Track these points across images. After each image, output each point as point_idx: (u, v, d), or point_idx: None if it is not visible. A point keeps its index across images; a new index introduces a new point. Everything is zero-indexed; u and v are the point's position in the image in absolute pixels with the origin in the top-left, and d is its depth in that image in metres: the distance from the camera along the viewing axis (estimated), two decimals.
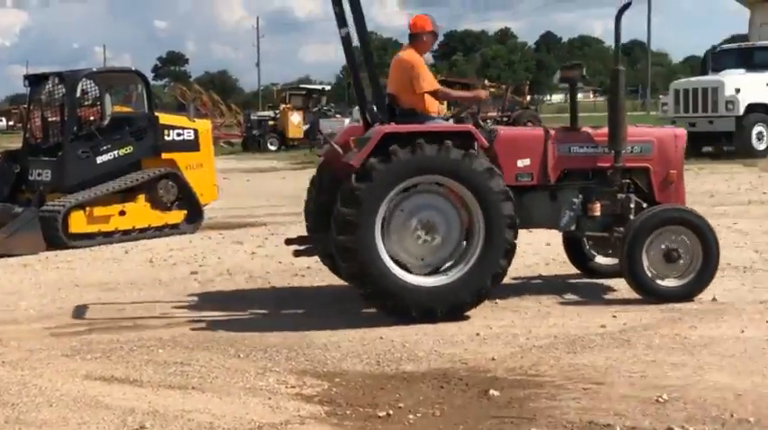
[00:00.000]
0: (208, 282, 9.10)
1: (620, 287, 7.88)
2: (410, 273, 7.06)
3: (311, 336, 6.76)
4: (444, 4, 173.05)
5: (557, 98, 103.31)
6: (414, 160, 6.87)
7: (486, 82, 42.80)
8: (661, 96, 31.36)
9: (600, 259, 8.51)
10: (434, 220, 7.08)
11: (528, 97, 40.95)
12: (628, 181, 7.77)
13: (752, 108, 22.70)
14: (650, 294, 7.41)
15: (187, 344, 6.70)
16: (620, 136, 7.58)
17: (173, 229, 12.85)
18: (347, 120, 32.88)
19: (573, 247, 8.62)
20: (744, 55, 24.18)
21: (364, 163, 6.86)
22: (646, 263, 7.35)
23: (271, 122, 37.28)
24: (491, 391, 5.35)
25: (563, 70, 8.04)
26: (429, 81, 7.67)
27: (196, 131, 13.49)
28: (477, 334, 6.70)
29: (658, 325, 6.78)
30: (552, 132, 7.71)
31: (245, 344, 6.63)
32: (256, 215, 14.88)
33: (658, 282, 7.40)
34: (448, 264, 7.14)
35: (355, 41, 7.24)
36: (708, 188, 16.24)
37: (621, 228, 7.58)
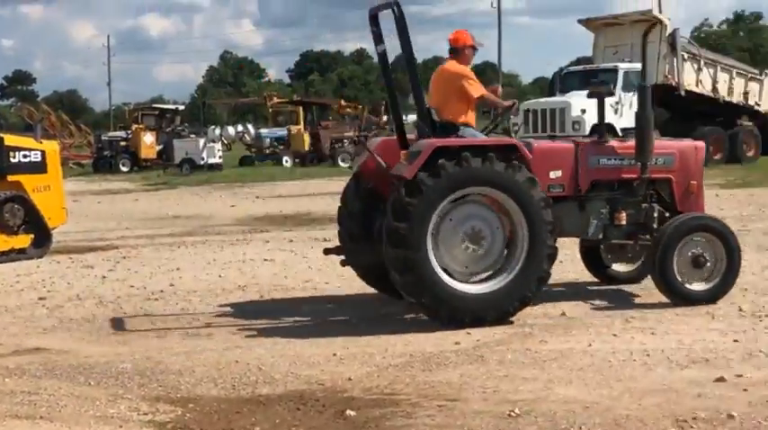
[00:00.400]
0: (56, 308, 8.79)
1: None
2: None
3: (165, 362, 6.63)
4: (300, 25, 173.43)
5: (412, 117, 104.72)
6: (461, 173, 7.18)
7: (342, 102, 43.16)
8: (512, 116, 32.15)
9: (617, 266, 8.83)
10: (480, 230, 7.39)
11: (385, 117, 41.42)
12: (651, 191, 8.21)
13: (596, 128, 23.67)
14: (678, 297, 7.80)
15: (35, 372, 6.46)
16: (648, 149, 7.97)
17: (19, 254, 12.38)
18: (202, 141, 32.46)
19: (590, 256, 8.97)
20: (589, 77, 25.16)
21: (415, 176, 7.09)
22: (675, 267, 7.75)
23: (122, 143, 36.46)
24: (347, 412, 5.36)
25: (591, 86, 8.89)
26: (477, 87, 8.03)
27: (43, 153, 13.05)
28: (334, 354, 6.71)
29: (510, 340, 6.95)
30: (582, 145, 8.08)
31: (96, 370, 6.44)
32: (108, 238, 14.49)
33: (686, 285, 7.82)
34: (490, 272, 7.44)
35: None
36: None
37: (646, 236, 8.04)
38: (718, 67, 26.01)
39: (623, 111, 24.24)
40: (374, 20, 7.81)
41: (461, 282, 7.36)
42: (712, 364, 6.07)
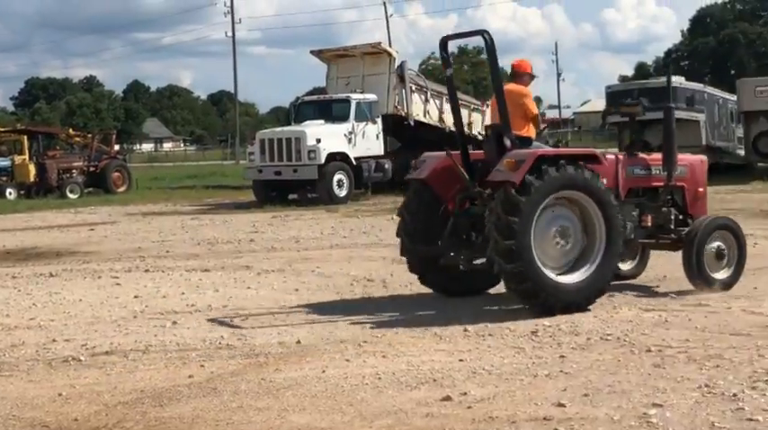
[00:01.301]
0: None
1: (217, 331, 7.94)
2: None
3: None
4: (24, 50, 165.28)
5: (147, 146, 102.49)
6: (560, 177, 8.45)
7: (70, 131, 41.47)
8: (249, 145, 32.34)
9: (620, 265, 9.80)
10: (567, 228, 8.63)
11: (116, 146, 40.16)
12: (669, 197, 9.78)
13: (332, 157, 24.21)
14: (708, 284, 9.33)
15: None
16: (674, 160, 9.67)
17: None
18: None
19: None
20: (323, 107, 25.77)
21: (523, 179, 8.31)
22: (705, 260, 9.35)
23: None
24: None
25: (623, 107, 10.70)
26: (534, 107, 9.66)
27: None
28: (60, 394, 6.39)
29: (245, 370, 6.91)
30: (621, 157, 9.54)
31: None
32: None
33: (713, 275, 9.42)
34: (572, 265, 8.65)
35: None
36: (293, 234, 16.97)
37: (666, 235, 9.67)
38: (444, 99, 27.28)
39: (357, 140, 24.95)
40: (444, 46, 9.22)
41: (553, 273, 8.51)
42: (439, 384, 6.32)
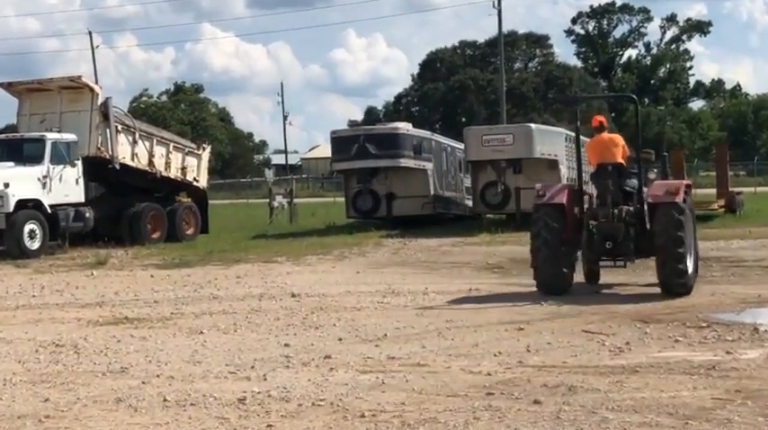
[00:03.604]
0: None
1: None
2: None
3: None
4: None
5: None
6: (689, 200, 14.23)
7: None
8: None
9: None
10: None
11: None
12: None
13: (22, 204, 23.07)
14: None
15: None
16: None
17: None
18: None
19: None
20: (13, 147, 24.56)
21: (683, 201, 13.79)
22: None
23: None
24: None
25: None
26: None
27: None
28: None
29: None
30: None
31: None
32: None
33: None
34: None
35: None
36: None
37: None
38: (155, 140, 26.90)
39: (52, 185, 23.97)
40: (573, 101, 13.68)
41: None
42: None
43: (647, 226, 13.88)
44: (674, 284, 13.61)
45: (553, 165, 27.57)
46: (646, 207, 13.96)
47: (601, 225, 14.02)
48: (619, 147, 14.61)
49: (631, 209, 14.13)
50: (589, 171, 15.22)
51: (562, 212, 14.11)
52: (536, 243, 14.07)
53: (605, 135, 14.81)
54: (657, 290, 13.82)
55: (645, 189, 14.19)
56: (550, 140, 28.08)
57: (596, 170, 14.50)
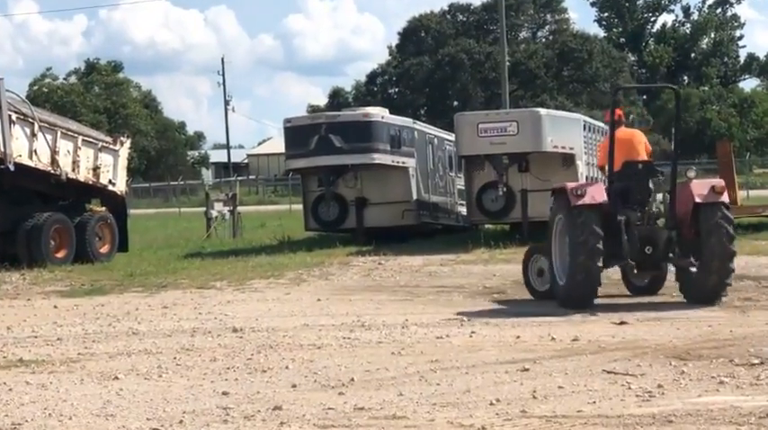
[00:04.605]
0: None
1: None
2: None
3: None
4: None
5: None
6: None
7: None
8: None
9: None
10: None
11: None
12: None
13: None
14: None
15: None
16: None
17: None
18: None
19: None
20: None
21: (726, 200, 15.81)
22: None
23: None
24: None
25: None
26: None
27: None
28: None
29: None
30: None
31: None
32: None
33: None
34: None
35: None
36: None
37: None
38: (59, 133, 26.75)
39: None
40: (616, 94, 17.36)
41: None
42: None
43: (690, 228, 15.75)
44: (716, 296, 15.62)
45: (568, 160, 27.68)
46: (690, 207, 15.69)
47: (637, 229, 15.77)
48: (642, 144, 16.74)
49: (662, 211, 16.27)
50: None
51: (603, 215, 15.63)
52: (581, 253, 15.45)
53: (626, 130, 16.82)
54: (697, 316, 13.87)
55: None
56: (565, 129, 28.20)
57: (623, 168, 16.13)
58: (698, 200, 15.49)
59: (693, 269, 15.83)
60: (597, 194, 15.70)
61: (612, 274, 17.16)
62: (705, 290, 15.69)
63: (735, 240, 15.78)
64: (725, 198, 15.61)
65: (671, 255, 15.96)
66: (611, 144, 16.34)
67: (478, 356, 12.08)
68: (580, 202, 15.51)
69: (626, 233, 15.68)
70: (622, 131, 16.73)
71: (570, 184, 16.13)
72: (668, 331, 13.53)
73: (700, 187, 15.63)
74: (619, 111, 16.70)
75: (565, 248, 15.98)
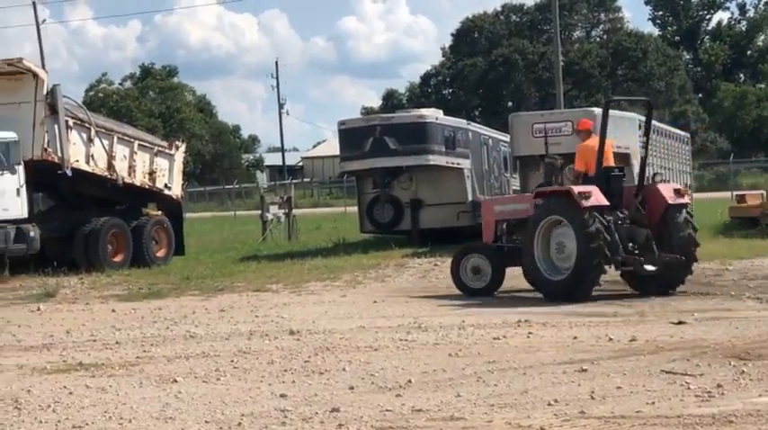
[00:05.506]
0: None
1: None
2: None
3: None
4: None
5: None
6: None
7: None
8: None
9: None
10: None
11: None
12: None
13: None
14: None
15: None
16: None
17: None
18: None
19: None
20: None
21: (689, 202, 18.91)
22: None
23: None
24: None
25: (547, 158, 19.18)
26: None
27: None
28: None
29: None
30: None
31: None
32: None
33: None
34: None
35: None
36: None
37: None
38: (115, 138, 26.94)
39: None
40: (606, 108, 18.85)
41: None
42: None
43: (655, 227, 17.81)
44: (681, 282, 17.98)
45: (623, 160, 27.50)
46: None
47: (621, 227, 17.52)
48: (610, 152, 18.76)
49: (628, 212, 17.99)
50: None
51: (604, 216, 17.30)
52: (595, 253, 16.97)
53: (597, 138, 18.40)
54: (757, 315, 13.80)
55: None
56: (620, 129, 28.00)
57: (603, 173, 18.00)
58: (670, 201, 17.81)
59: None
60: (600, 197, 17.24)
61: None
62: (678, 280, 17.96)
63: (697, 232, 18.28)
64: (688, 199, 18.76)
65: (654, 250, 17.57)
66: (601, 149, 18.05)
67: (536, 357, 12.07)
68: (588, 203, 17.00)
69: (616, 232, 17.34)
70: (595, 139, 18.43)
71: (575, 188, 17.37)
72: (727, 330, 13.46)
73: (666, 190, 18.11)
74: (590, 122, 19.48)
75: (563, 246, 17.49)
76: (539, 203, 18.11)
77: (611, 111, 18.93)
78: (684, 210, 18.10)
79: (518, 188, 30.41)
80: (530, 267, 18.19)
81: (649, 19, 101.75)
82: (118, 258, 26.30)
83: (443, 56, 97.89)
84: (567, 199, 17.41)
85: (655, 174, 19.03)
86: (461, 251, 19.62)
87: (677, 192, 18.07)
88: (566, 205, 17.46)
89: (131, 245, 26.65)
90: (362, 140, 28.30)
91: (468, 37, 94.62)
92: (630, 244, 17.57)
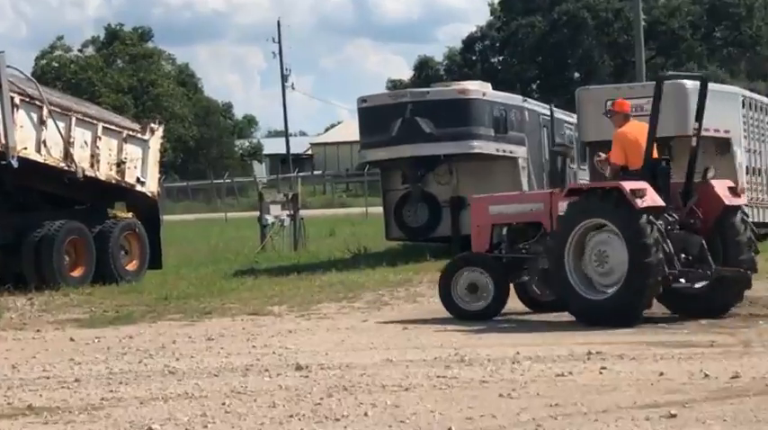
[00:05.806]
0: None
1: None
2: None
3: None
4: None
5: None
6: None
7: None
8: None
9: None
10: None
11: None
12: None
13: None
14: None
15: None
16: None
17: None
18: None
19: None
20: None
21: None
22: None
23: None
24: None
25: (557, 146, 19.40)
26: None
27: None
28: None
29: None
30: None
31: None
32: None
33: None
34: None
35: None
36: None
37: None
38: (73, 119, 26.94)
39: None
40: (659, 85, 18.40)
41: None
42: None
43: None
44: (739, 299, 18.29)
45: (723, 146, 27.48)
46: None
47: (672, 234, 17.60)
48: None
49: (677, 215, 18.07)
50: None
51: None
52: (649, 264, 17.03)
53: (637, 123, 18.72)
54: None
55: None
56: (719, 107, 27.91)
57: (648, 167, 17.94)
58: (727, 202, 18.05)
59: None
60: (655, 197, 17.34)
61: None
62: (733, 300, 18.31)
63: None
64: (744, 200, 19.36)
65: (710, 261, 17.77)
66: (651, 137, 18.11)
67: (611, 398, 12.06)
68: (643, 204, 17.14)
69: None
70: (635, 125, 18.70)
71: (626, 184, 17.20)
72: None
73: (720, 187, 18.20)
74: (626, 104, 19.26)
75: (605, 257, 17.61)
76: (573, 202, 18.13)
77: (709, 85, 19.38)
78: (740, 212, 18.34)
79: (586, 181, 30.44)
80: (557, 283, 18.22)
81: None
82: (77, 272, 26.36)
83: (492, 14, 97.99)
84: (614, 198, 17.43)
85: (707, 169, 18.74)
86: (450, 266, 19.73)
87: (733, 191, 18.28)
88: (612, 206, 17.50)
89: (94, 255, 26.68)
90: (389, 122, 28.32)
91: None
92: (683, 254, 17.81)
